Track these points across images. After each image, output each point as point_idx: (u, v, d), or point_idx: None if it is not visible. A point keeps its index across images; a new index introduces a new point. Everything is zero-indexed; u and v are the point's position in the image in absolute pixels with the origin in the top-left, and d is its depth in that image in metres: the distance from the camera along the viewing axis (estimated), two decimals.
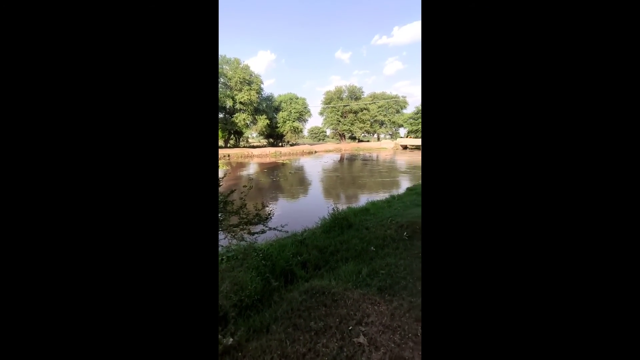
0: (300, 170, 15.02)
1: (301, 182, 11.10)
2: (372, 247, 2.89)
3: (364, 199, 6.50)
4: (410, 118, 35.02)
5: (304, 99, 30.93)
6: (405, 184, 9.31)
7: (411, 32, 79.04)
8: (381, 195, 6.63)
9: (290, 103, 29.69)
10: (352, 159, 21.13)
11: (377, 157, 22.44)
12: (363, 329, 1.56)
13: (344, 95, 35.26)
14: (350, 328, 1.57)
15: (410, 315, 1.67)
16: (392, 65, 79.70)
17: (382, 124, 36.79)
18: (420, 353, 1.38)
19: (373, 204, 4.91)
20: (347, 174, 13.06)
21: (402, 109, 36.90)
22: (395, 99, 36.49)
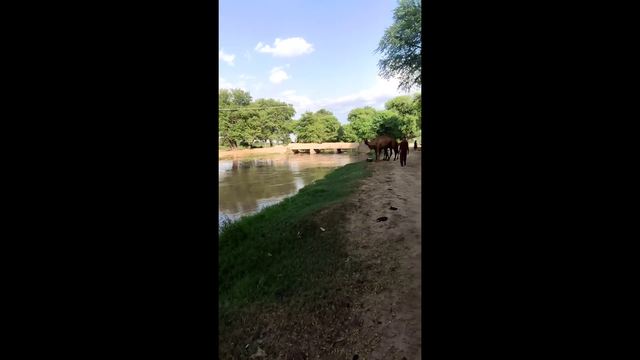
0: None
1: None
2: (268, 254, 2.87)
3: (261, 206, 6.38)
4: (298, 124, 37.80)
5: None
6: (299, 185, 9.94)
7: (292, 45, 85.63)
8: (278, 200, 6.75)
9: None
10: (246, 166, 20.28)
11: (272, 162, 22.71)
12: (261, 341, 1.51)
13: (231, 99, 33.33)
14: (247, 346, 1.48)
15: (305, 308, 1.78)
16: (278, 75, 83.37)
17: (273, 130, 37.58)
18: (315, 342, 1.49)
19: (268, 209, 4.91)
20: (241, 182, 12.39)
21: (290, 116, 39.23)
22: (284, 106, 38.31)
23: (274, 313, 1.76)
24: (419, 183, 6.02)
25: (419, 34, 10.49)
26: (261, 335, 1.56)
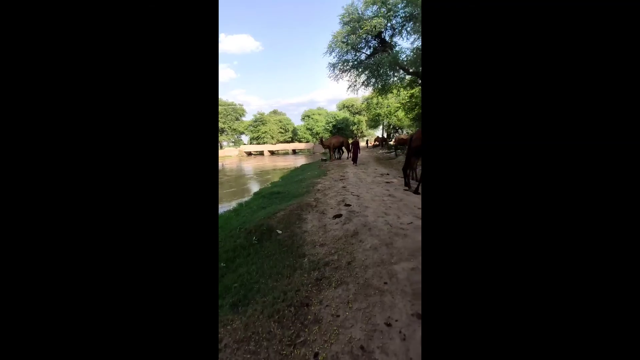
0: None
1: None
2: (221, 264, 2.68)
3: None
4: (250, 125, 36.29)
5: None
6: (254, 189, 9.54)
7: (239, 42, 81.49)
8: (231, 205, 6.35)
9: None
10: None
11: (223, 165, 21.29)
12: None
13: None
14: None
15: (263, 315, 1.71)
16: (225, 73, 78.51)
17: (222, 131, 35.23)
18: (275, 348, 1.45)
19: (220, 216, 4.57)
20: None
21: (241, 116, 37.35)
22: (233, 106, 36.26)
23: (229, 327, 1.65)
24: (370, 179, 6.43)
25: (363, 40, 11.19)
26: None
